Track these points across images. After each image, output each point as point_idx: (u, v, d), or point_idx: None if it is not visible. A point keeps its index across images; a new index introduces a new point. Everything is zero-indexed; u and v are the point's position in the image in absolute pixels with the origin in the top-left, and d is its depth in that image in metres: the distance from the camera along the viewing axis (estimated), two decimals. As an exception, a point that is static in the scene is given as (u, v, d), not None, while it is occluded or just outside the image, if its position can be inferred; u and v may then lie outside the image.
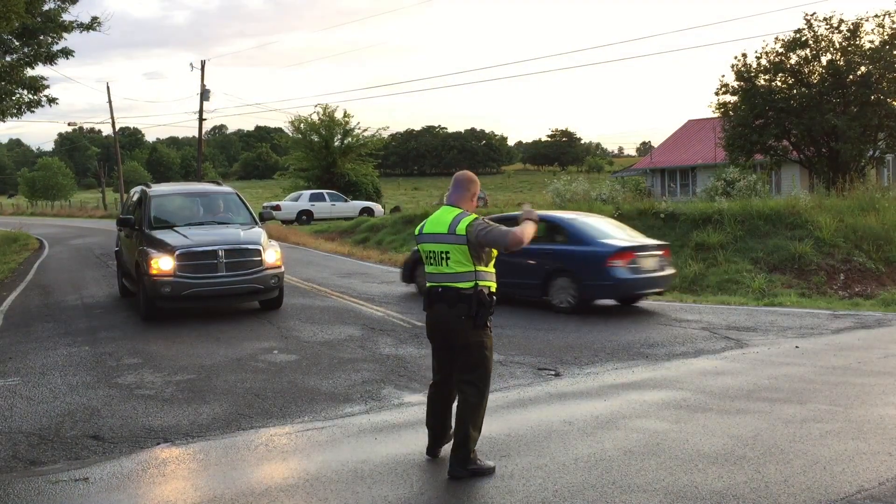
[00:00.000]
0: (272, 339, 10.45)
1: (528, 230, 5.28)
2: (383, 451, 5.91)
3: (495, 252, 5.36)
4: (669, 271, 13.03)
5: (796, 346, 9.56)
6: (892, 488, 4.92)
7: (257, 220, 13.69)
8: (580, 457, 5.62)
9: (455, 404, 5.43)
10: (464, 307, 5.22)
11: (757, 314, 12.07)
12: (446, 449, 5.55)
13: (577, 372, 8.46)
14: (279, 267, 12.42)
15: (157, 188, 14.39)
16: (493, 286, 5.35)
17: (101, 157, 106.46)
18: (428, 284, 5.44)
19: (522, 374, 8.36)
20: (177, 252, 11.63)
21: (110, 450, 6.22)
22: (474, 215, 5.31)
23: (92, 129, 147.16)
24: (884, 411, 6.61)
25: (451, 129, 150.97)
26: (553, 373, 8.48)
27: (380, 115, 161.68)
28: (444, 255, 5.27)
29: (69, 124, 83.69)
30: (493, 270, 5.41)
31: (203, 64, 48.58)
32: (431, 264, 5.37)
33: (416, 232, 5.54)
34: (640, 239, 13.23)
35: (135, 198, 14.54)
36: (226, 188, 14.74)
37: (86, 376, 8.65)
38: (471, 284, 5.23)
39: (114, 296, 14.97)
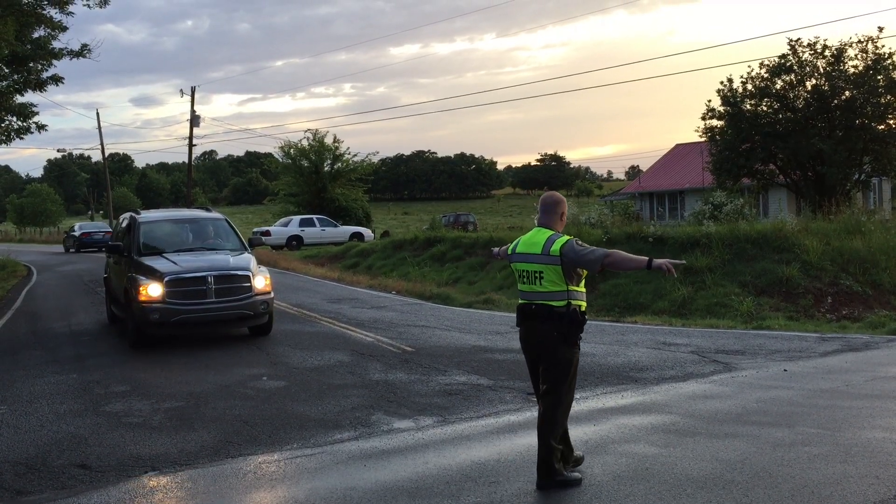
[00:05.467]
0: (261, 366, 10.42)
1: (626, 257, 5.41)
2: (372, 477, 5.90)
3: (585, 272, 5.53)
4: None
5: (784, 370, 9.59)
6: (879, 511, 4.94)
7: (247, 246, 13.69)
8: (569, 482, 5.61)
9: (538, 418, 5.56)
10: (556, 324, 5.39)
11: (745, 337, 12.11)
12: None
13: (567, 397, 8.44)
14: (269, 293, 12.40)
15: (147, 214, 14.39)
16: (584, 305, 5.53)
17: (91, 183, 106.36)
18: (520, 301, 5.63)
19: (512, 399, 8.36)
20: (166, 278, 11.61)
21: (97, 479, 6.18)
22: (567, 236, 5.46)
23: (81, 156, 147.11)
24: (871, 434, 6.63)
25: (440, 154, 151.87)
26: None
27: (370, 139, 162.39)
28: (537, 275, 5.45)
29: (58, 150, 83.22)
30: (584, 290, 5.59)
31: (193, 90, 48.83)
32: (524, 283, 5.57)
33: (509, 251, 5.76)
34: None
35: (124, 224, 14.53)
36: (215, 214, 14.73)
37: (73, 404, 8.60)
38: (564, 303, 5.40)
39: (102, 323, 14.91)
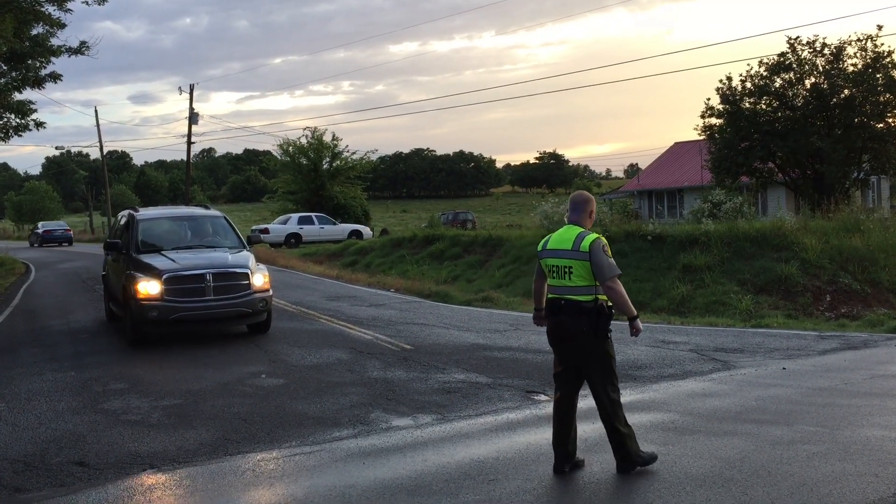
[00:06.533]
0: (260, 363, 10.41)
1: (626, 299, 5.61)
2: (371, 475, 5.89)
3: None
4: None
5: (783, 368, 9.59)
6: (878, 510, 4.94)
7: (245, 244, 13.67)
8: (568, 480, 5.62)
9: (599, 411, 5.80)
10: (585, 319, 5.62)
11: (744, 336, 12.11)
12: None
13: (566, 394, 8.43)
14: (267, 290, 12.38)
15: (145, 212, 14.36)
16: None
17: (89, 181, 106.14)
18: (550, 296, 5.87)
19: (510, 397, 8.36)
20: (164, 276, 11.59)
21: (96, 476, 6.17)
22: (596, 234, 5.73)
23: (79, 153, 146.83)
24: (870, 432, 6.63)
25: (439, 152, 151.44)
26: (542, 395, 8.47)
27: (368, 137, 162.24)
28: (566, 270, 5.69)
29: (57, 148, 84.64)
30: None
31: (191, 87, 48.78)
32: (554, 277, 5.80)
33: (539, 248, 6.01)
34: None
35: (122, 221, 14.51)
36: (214, 212, 14.72)
37: (72, 402, 8.59)
38: (591, 298, 5.62)
39: (100, 320, 14.89)
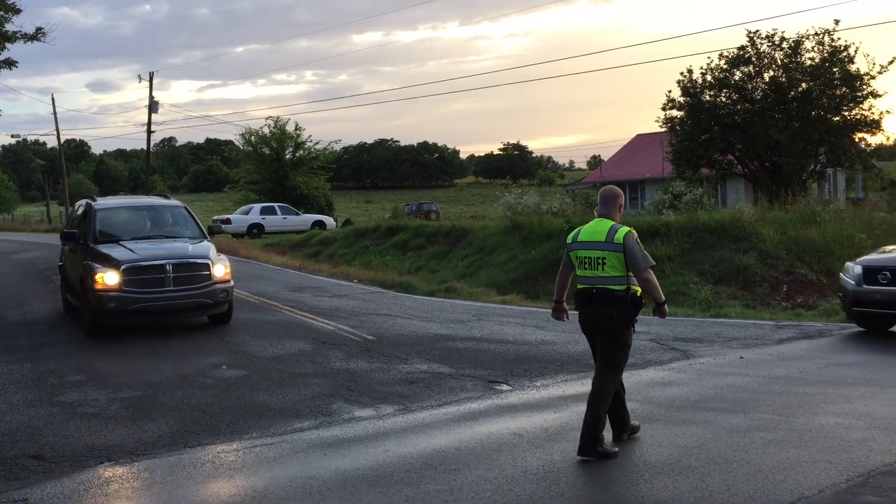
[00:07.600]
0: (221, 355, 10.32)
1: (658, 287, 6.02)
2: (332, 466, 5.88)
3: None
4: None
5: (741, 357, 9.74)
6: (831, 496, 5.04)
7: (206, 234, 13.52)
8: (529, 469, 5.65)
9: (591, 390, 5.99)
10: (617, 307, 5.90)
11: (703, 326, 12.28)
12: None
13: (528, 384, 8.50)
14: (228, 281, 12.26)
15: (103, 201, 14.13)
16: (640, 290, 6.02)
17: (46, 170, 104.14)
18: (580, 286, 6.07)
19: (473, 388, 8.39)
20: (122, 266, 11.42)
21: (51, 470, 6.08)
22: (628, 228, 5.95)
23: (36, 141, 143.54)
24: (824, 420, 6.77)
25: (403, 143, 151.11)
26: (504, 385, 8.51)
27: (332, 127, 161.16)
28: (600, 261, 5.93)
29: (12, 136, 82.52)
30: None
31: (151, 75, 48.00)
32: (586, 268, 6.02)
33: (569, 240, 6.21)
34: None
35: (80, 211, 14.26)
36: (174, 201, 14.52)
37: (27, 394, 8.44)
38: (624, 287, 5.90)
39: (58, 311, 14.64)
